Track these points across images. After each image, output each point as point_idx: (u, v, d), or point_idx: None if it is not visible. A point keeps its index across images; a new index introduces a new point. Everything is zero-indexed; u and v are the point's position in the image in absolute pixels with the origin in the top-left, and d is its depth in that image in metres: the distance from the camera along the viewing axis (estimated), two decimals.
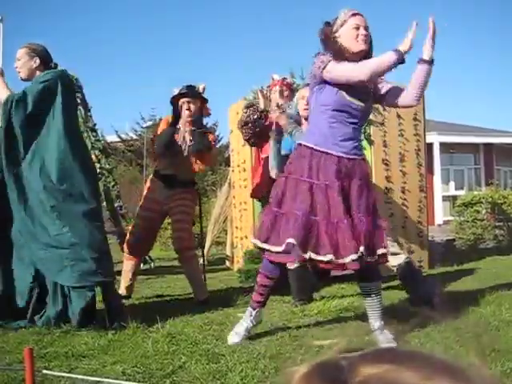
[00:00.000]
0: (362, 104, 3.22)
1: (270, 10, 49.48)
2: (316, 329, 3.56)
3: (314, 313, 4.02)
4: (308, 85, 4.08)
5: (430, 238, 6.74)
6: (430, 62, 3.12)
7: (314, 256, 3.06)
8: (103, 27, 45.19)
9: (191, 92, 4.66)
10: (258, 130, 4.56)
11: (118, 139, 24.57)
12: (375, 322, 3.24)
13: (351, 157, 3.21)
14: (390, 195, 6.00)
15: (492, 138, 17.87)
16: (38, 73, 3.81)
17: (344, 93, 3.15)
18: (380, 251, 3.18)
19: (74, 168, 3.69)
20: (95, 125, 7.34)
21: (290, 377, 0.49)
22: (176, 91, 4.70)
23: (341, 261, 3.06)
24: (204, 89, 4.76)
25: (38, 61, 3.84)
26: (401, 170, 6.08)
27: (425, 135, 6.40)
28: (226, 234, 7.79)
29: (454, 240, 8.07)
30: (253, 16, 49.62)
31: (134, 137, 24.67)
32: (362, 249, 3.07)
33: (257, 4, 50.10)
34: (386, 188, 5.99)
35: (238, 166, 6.68)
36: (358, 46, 3.16)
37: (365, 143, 5.84)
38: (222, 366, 2.77)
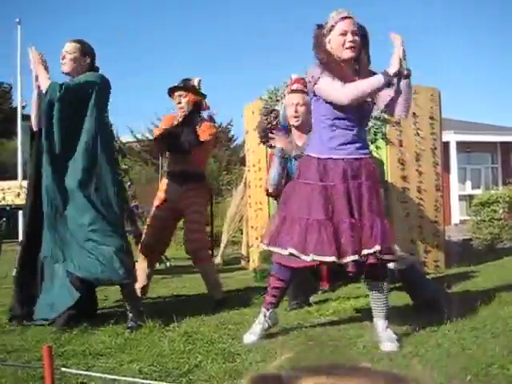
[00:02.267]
0: (358, 110, 3.20)
1: (286, 9, 49.39)
2: (331, 328, 3.56)
3: (330, 312, 4.01)
4: (296, 91, 4.11)
5: (446, 238, 6.69)
6: (406, 76, 3.07)
7: (316, 258, 3.08)
8: (118, 27, 45.43)
9: (184, 85, 4.67)
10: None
11: (133, 139, 24.70)
12: (378, 320, 3.23)
13: (357, 156, 3.20)
14: (406, 195, 5.97)
15: (510, 137, 17.66)
16: (83, 71, 3.85)
17: (339, 104, 3.13)
18: (366, 251, 3.14)
19: (103, 168, 3.75)
20: (111, 125, 7.39)
21: None
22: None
23: (344, 260, 3.08)
24: (199, 82, 4.73)
25: (88, 60, 3.90)
26: (417, 170, 6.05)
27: (441, 134, 6.36)
28: (242, 233, 7.81)
29: (470, 240, 8.00)
30: (268, 15, 49.60)
31: (150, 137, 24.80)
32: (365, 252, 3.07)
33: (272, 3, 50.03)
34: (402, 188, 5.96)
35: (254, 165, 6.69)
36: (344, 53, 3.13)
37: (380, 142, 5.82)
38: (237, 365, 2.78)
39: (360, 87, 3.05)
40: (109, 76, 3.92)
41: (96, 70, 3.95)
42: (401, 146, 5.96)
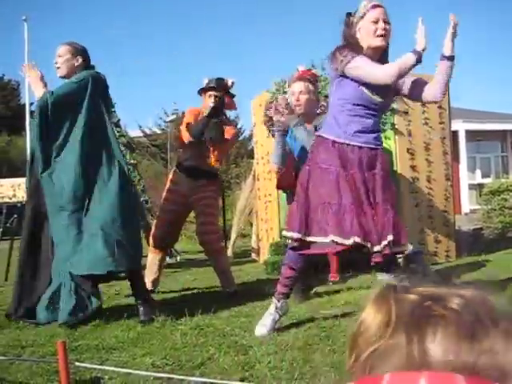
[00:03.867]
0: (382, 99, 3.20)
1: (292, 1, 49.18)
2: (343, 319, 3.56)
3: (341, 303, 4.01)
4: (299, 79, 4.10)
5: (456, 228, 6.67)
6: (452, 58, 3.09)
7: (357, 240, 3.03)
8: (126, 23, 45.43)
9: (218, 86, 4.68)
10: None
11: (142, 134, 24.75)
12: None
13: (373, 146, 3.20)
14: (416, 185, 5.95)
15: None
16: (77, 72, 3.86)
17: (365, 88, 3.12)
18: (401, 242, 3.15)
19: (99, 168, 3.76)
20: (119, 120, 7.41)
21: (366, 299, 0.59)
22: (206, 81, 4.74)
23: (367, 247, 3.06)
24: (233, 83, 4.77)
25: (80, 60, 3.90)
26: (426, 159, 6.02)
27: (450, 123, 6.33)
28: (252, 226, 7.81)
29: (481, 229, 7.97)
30: (274, 7, 49.43)
31: (158, 131, 24.83)
32: (384, 242, 3.06)
33: None
34: (412, 177, 5.94)
35: (262, 158, 6.69)
36: (375, 41, 3.11)
37: (389, 133, 5.80)
38: (250, 358, 2.79)
39: (397, 66, 3.04)
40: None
41: (91, 69, 3.96)
42: (409, 135, 5.93)
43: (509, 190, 8.01)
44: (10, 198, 6.80)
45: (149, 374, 2.50)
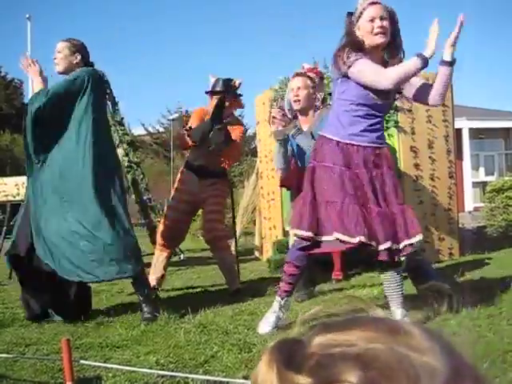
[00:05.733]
0: (385, 100, 3.20)
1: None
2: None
3: (345, 302, 4.00)
4: (298, 74, 4.10)
5: (460, 225, 6.66)
6: (451, 63, 3.06)
7: (363, 239, 3.01)
8: (131, 21, 45.43)
9: (226, 88, 4.69)
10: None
11: (145, 132, 24.77)
12: (397, 309, 3.23)
13: (378, 145, 3.20)
14: (419, 182, 5.94)
15: None
16: (76, 69, 3.86)
17: (368, 90, 3.11)
18: (407, 242, 3.15)
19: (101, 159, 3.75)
20: (122, 118, 7.43)
21: (262, 353, 0.51)
22: (212, 80, 4.75)
23: (373, 246, 3.06)
24: (240, 84, 4.77)
25: (78, 57, 3.89)
26: (429, 157, 6.01)
27: (453, 121, 6.31)
28: (255, 224, 7.81)
29: (485, 227, 7.95)
30: (278, 4, 49.35)
31: (161, 130, 24.84)
32: (406, 242, 3.09)
33: None
34: (415, 175, 5.93)
35: (266, 156, 6.69)
36: (374, 40, 3.09)
37: (392, 130, 5.79)
38: (253, 355, 2.79)
39: (400, 71, 3.02)
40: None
41: (90, 66, 3.95)
42: (413, 133, 5.92)
43: None
44: (14, 197, 6.82)
45: (152, 371, 2.51)
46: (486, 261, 5.69)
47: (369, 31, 3.07)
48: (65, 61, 3.87)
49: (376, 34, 3.07)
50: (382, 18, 3.07)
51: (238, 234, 7.89)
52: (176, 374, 2.46)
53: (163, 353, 2.90)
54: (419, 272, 4.09)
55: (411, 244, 3.14)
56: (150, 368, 2.59)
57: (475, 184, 16.21)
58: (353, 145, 3.16)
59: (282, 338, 0.52)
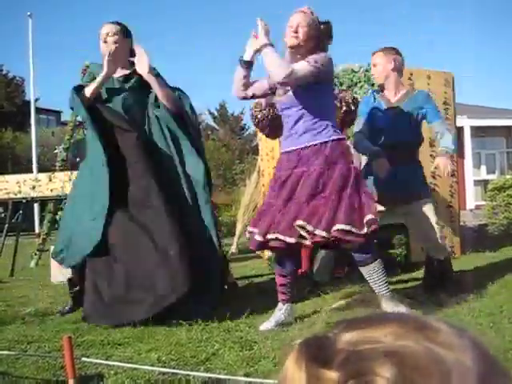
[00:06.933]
0: (279, 99, 3.46)
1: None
2: (347, 314, 3.56)
3: (341, 297, 4.01)
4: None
5: (461, 223, 6.65)
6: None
7: (277, 236, 3.25)
8: (130, 20, 45.43)
9: None
10: (272, 125, 4.65)
11: None
12: (385, 302, 3.25)
13: (302, 146, 3.34)
14: None
15: None
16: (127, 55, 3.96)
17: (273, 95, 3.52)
18: (340, 226, 3.18)
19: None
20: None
21: (288, 351, 0.51)
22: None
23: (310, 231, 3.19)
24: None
25: (128, 43, 4.00)
26: (431, 155, 6.01)
27: (455, 119, 6.30)
28: None
29: (486, 225, 7.95)
30: (278, 5, 49.35)
31: None
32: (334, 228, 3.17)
33: None
34: None
35: (267, 154, 6.69)
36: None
37: None
38: (254, 353, 2.80)
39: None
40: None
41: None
42: None
43: None
44: (16, 194, 6.83)
45: (154, 369, 2.51)
46: (488, 259, 5.69)
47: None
48: (121, 45, 3.97)
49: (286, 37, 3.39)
50: (290, 25, 3.37)
51: (239, 231, 7.91)
52: (177, 371, 2.46)
53: (165, 350, 2.91)
54: (445, 277, 4.07)
55: (338, 230, 3.17)
56: (152, 365, 2.60)
57: (477, 182, 16.21)
58: (285, 152, 3.44)
59: (309, 335, 0.52)
